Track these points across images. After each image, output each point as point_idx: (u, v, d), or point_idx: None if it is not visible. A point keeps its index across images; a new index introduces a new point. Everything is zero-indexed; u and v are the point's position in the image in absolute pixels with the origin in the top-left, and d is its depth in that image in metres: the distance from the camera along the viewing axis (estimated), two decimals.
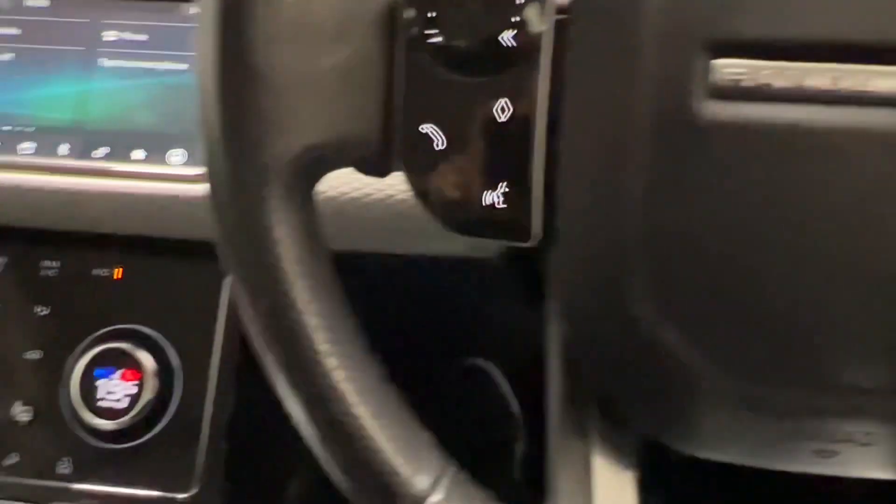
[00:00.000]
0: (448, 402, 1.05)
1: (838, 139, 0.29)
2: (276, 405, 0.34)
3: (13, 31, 0.61)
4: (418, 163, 0.35)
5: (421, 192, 0.35)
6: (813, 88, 0.29)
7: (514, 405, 1.08)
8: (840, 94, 0.29)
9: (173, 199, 0.56)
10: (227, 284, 0.60)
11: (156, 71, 0.59)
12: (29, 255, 0.62)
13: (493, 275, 0.66)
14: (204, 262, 0.60)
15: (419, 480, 0.32)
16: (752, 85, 0.30)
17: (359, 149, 0.35)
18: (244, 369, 0.60)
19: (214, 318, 0.60)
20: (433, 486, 0.32)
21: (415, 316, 0.86)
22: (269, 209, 0.33)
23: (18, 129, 0.60)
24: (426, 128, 0.34)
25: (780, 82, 0.30)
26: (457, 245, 0.48)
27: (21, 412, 0.59)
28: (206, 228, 0.57)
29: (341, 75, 0.34)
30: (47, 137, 0.59)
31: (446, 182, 0.35)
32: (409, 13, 0.34)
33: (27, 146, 0.59)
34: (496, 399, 1.07)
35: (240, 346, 0.59)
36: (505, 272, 0.64)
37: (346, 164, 0.36)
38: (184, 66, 0.59)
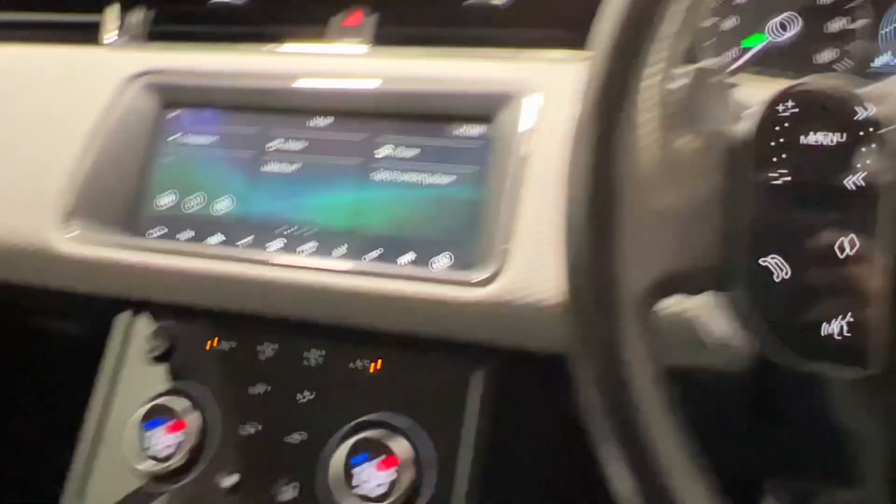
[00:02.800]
0: None
1: None
2: None
3: (300, 145, 0.69)
4: (757, 292, 0.37)
5: (749, 316, 0.38)
6: None
7: None
8: None
9: (437, 301, 0.61)
10: (477, 378, 0.64)
11: (424, 184, 0.65)
12: (297, 344, 0.68)
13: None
14: (455, 358, 0.65)
15: None
16: None
17: (698, 278, 0.38)
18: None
19: (464, 411, 0.63)
20: None
21: None
22: (625, 332, 0.36)
23: (300, 231, 0.67)
24: (769, 259, 0.37)
25: None
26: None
27: (282, 491, 0.64)
28: (461, 328, 0.62)
29: (691, 210, 0.38)
30: (326, 240, 0.66)
31: (785, 311, 0.37)
32: (761, 151, 0.37)
33: (308, 247, 0.66)
34: None
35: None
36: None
37: (684, 292, 0.39)
38: (450, 179, 0.65)
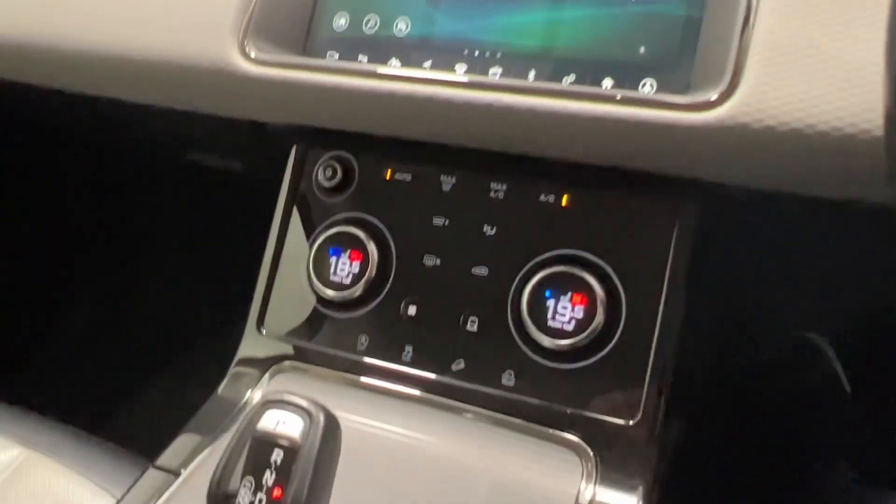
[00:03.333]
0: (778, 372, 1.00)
1: None
2: None
3: None
4: None
5: None
6: None
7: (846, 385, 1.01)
8: None
9: (650, 126, 0.55)
10: (682, 220, 0.59)
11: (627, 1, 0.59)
12: (478, 176, 0.65)
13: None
14: (657, 196, 0.61)
15: None
16: None
17: None
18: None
19: (665, 258, 0.60)
20: None
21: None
22: None
23: (484, 55, 0.62)
24: None
25: None
26: None
27: (470, 322, 0.63)
28: (675, 159, 0.57)
29: None
30: (513, 64, 0.62)
31: None
32: None
33: (494, 72, 0.62)
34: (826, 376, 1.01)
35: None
36: None
37: None
38: None
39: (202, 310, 1.25)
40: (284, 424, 0.44)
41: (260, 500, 0.42)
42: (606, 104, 0.55)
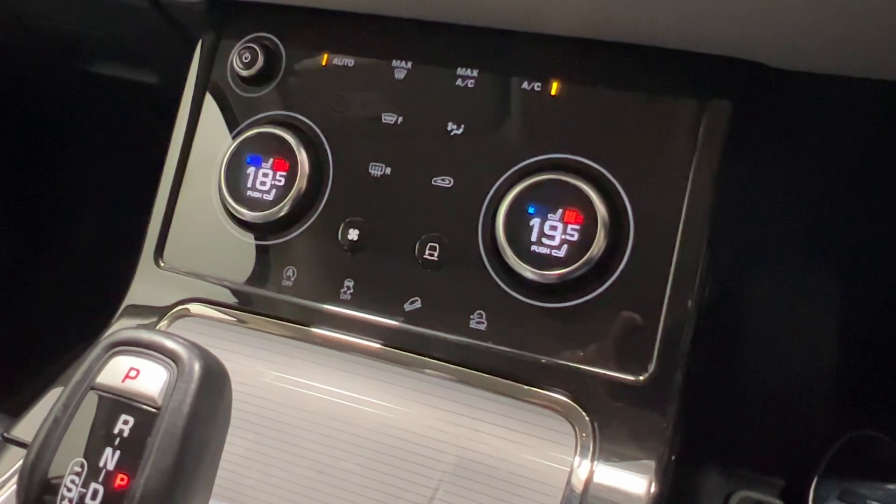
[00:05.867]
0: None
1: None
2: None
3: None
4: None
5: None
6: None
7: None
8: None
9: None
10: (705, 127, 0.45)
11: None
12: (441, 59, 0.50)
13: None
14: (677, 84, 0.46)
15: None
16: None
17: None
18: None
19: (686, 164, 0.45)
20: None
21: None
22: None
23: None
24: None
25: None
26: None
27: (428, 249, 0.48)
28: (702, 29, 0.42)
29: None
30: None
31: None
32: None
33: None
34: None
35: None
36: None
37: None
38: None
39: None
40: (138, 378, 0.29)
41: (95, 494, 0.27)
42: None
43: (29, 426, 0.47)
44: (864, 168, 0.63)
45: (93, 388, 0.29)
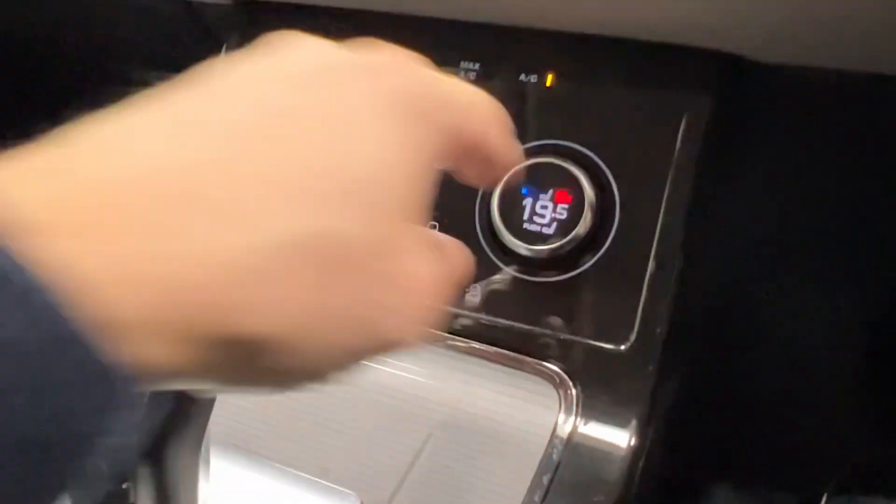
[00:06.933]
0: None
1: None
2: None
3: None
4: None
5: None
6: None
7: None
8: None
9: None
10: (686, 120, 0.48)
11: None
12: (448, 53, 0.54)
13: None
14: (662, 77, 0.50)
15: None
16: None
17: None
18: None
19: (669, 156, 0.48)
20: None
21: None
22: None
23: None
24: None
25: None
26: None
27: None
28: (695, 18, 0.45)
29: None
30: None
31: None
32: None
33: None
34: None
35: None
36: None
37: None
38: None
39: None
40: None
41: None
42: None
43: None
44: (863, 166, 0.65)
45: None
